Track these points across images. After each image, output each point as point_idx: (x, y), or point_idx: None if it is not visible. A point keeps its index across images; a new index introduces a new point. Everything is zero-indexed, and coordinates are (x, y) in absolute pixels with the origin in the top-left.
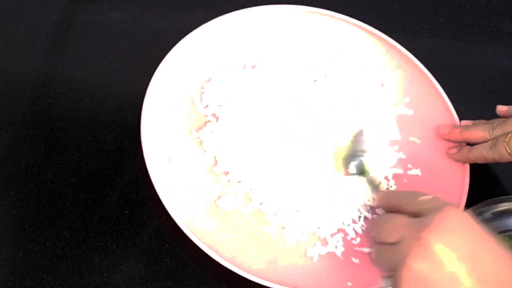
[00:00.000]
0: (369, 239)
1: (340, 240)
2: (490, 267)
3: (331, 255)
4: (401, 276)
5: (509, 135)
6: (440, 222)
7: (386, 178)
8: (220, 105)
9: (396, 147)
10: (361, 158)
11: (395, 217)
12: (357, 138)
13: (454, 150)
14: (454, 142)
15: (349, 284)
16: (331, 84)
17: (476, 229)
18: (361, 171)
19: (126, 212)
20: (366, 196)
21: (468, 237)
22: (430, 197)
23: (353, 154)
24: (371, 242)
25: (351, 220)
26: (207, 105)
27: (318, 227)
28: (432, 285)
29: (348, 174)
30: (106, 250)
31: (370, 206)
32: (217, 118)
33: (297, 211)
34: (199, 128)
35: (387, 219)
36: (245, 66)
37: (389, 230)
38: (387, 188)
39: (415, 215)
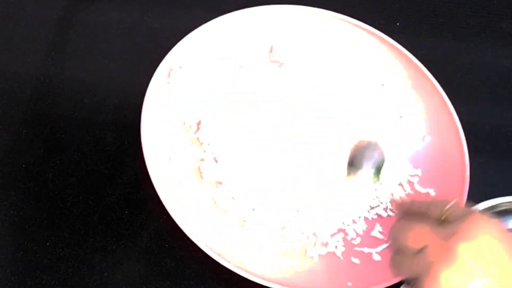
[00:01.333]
0: (389, 245)
1: (340, 240)
2: None
3: (331, 255)
4: (425, 285)
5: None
6: (468, 230)
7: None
8: (219, 105)
9: (397, 147)
10: (379, 164)
11: (419, 224)
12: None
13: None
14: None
15: (349, 284)
16: (331, 84)
17: (504, 238)
18: (376, 175)
19: (126, 212)
20: (366, 196)
21: (497, 247)
22: (453, 202)
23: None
24: (390, 248)
25: (351, 220)
26: (206, 105)
27: (318, 227)
28: None
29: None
30: (106, 250)
31: (370, 206)
32: (217, 119)
33: (297, 211)
34: (198, 129)
35: (410, 225)
36: (244, 66)
37: (412, 236)
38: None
39: (439, 223)
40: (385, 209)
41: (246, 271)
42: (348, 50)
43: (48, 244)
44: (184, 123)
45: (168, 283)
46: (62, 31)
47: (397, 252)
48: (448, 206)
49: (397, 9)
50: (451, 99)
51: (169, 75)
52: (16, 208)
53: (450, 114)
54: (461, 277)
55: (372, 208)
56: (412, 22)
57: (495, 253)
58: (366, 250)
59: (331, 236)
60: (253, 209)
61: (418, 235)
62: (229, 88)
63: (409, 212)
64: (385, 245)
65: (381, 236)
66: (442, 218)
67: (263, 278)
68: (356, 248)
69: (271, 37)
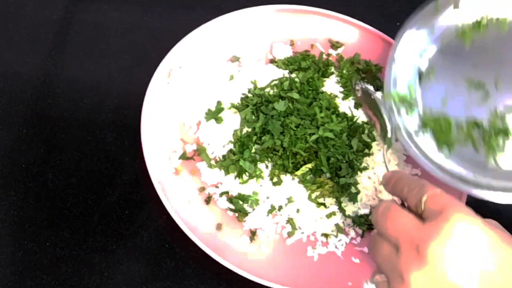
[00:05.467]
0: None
1: (340, 240)
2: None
3: (331, 255)
4: (393, 281)
5: None
6: (446, 236)
7: None
8: (219, 104)
9: (396, 147)
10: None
11: (398, 212)
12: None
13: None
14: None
15: (349, 284)
16: (331, 84)
17: (485, 242)
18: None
19: (126, 212)
20: (366, 195)
21: (478, 257)
22: (437, 191)
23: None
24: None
25: (351, 220)
26: (206, 105)
27: (318, 227)
28: None
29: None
30: (106, 250)
31: (370, 206)
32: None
33: (297, 211)
34: (198, 128)
35: (390, 210)
36: (244, 66)
37: (389, 224)
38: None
39: (419, 212)
40: None
41: (246, 271)
42: (348, 50)
43: (48, 244)
44: (184, 123)
45: (168, 283)
46: (62, 31)
47: (375, 235)
48: (430, 194)
49: (397, 9)
50: None
51: (169, 75)
52: (16, 208)
53: None
54: (432, 280)
55: (372, 208)
56: None
57: (473, 265)
58: (366, 250)
59: (331, 236)
60: (253, 209)
61: (394, 224)
62: (229, 88)
63: (393, 187)
64: None
65: None
66: (422, 209)
67: (263, 278)
68: (356, 248)
69: (271, 37)
